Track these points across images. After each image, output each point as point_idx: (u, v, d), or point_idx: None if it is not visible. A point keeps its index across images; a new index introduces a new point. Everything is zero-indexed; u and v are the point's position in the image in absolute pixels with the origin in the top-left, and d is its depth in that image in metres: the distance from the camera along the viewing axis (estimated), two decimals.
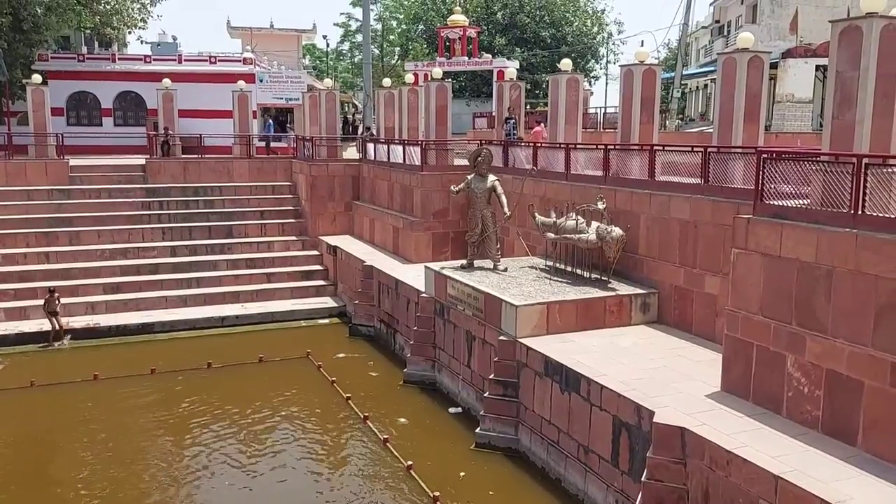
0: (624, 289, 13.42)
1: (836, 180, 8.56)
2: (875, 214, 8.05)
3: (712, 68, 39.88)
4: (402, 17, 54.25)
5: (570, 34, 43.16)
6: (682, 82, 38.28)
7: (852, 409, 8.20)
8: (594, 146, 15.70)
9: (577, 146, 16.13)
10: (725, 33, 43.38)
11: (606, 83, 52.43)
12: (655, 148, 13.47)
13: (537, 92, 41.08)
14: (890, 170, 8.13)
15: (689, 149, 12.79)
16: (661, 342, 12.28)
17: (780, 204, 9.27)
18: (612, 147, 14.83)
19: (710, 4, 47.87)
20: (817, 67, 22.09)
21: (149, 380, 16.45)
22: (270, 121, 32.06)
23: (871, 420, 8.00)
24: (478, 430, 12.81)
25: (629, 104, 15.32)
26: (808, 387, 8.72)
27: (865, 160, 8.07)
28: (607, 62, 49.67)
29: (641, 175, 13.82)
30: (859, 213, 8.18)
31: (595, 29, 45.90)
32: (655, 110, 15.34)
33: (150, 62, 33.83)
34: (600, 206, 13.91)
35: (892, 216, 7.98)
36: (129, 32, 37.44)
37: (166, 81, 28.45)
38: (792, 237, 8.87)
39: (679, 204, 12.70)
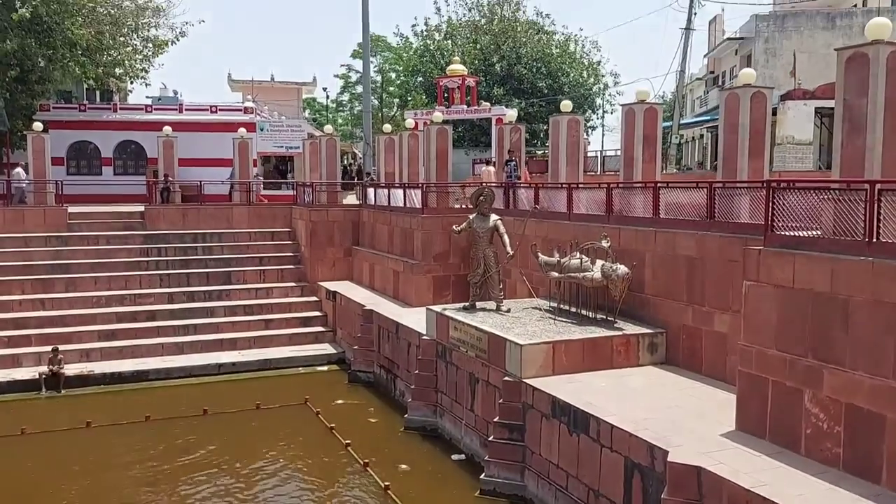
0: (631, 328, 13.13)
1: (849, 208, 8.39)
2: (891, 241, 7.85)
3: (708, 117, 40.38)
4: (400, 69, 55.05)
5: (567, 84, 43.70)
6: (678, 132, 38.63)
7: (875, 444, 7.86)
8: (597, 185, 15.63)
9: (580, 185, 16.06)
10: (720, 84, 43.99)
11: (603, 133, 52.91)
12: (659, 184, 13.34)
13: (535, 141, 41.38)
14: None
15: (695, 185, 12.66)
16: (670, 382, 11.94)
17: (792, 235, 9.07)
18: (616, 185, 14.72)
19: (705, 56, 48.69)
20: (816, 111, 22.27)
21: (143, 428, 15.99)
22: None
23: (895, 455, 7.65)
24: (482, 476, 12.35)
25: (631, 143, 15.29)
26: (827, 423, 8.38)
27: (879, 186, 7.90)
28: (603, 112, 50.29)
29: (646, 213, 13.68)
30: (874, 240, 7.98)
31: (591, 80, 46.53)
32: (657, 149, 15.31)
33: (150, 111, 34.14)
34: (604, 244, 13.72)
35: None
36: (132, 83, 37.84)
37: (167, 129, 28.60)
38: (805, 267, 8.65)
39: (685, 240, 12.51)
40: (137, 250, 24.24)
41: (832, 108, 24.16)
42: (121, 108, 34.61)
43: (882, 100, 8.47)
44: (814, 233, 9.01)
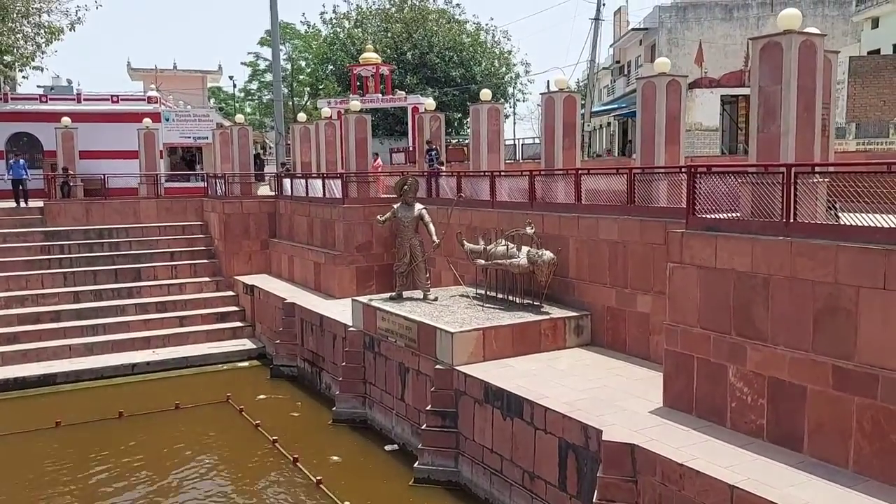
0: (557, 312, 13.38)
1: (766, 191, 8.79)
2: (807, 221, 8.27)
3: (616, 106, 41.58)
4: (310, 57, 54.03)
5: (479, 74, 44.01)
6: (589, 121, 39.63)
7: (796, 415, 8.29)
8: (519, 173, 15.79)
9: (502, 174, 16.18)
10: (626, 73, 45.36)
11: (514, 122, 53.49)
12: (581, 171, 13.62)
13: (449, 129, 41.51)
14: (817, 178, 8.41)
15: (615, 171, 12.98)
16: (597, 363, 12.24)
17: (713, 217, 9.43)
18: (538, 173, 14.93)
19: (611, 46, 50.03)
20: (722, 98, 23.27)
21: (53, 434, 15.15)
22: (20, 160, 25.73)
23: (816, 424, 8.10)
24: (416, 464, 12.35)
25: (551, 130, 15.51)
26: (750, 396, 8.79)
27: (795, 169, 8.30)
28: (515, 101, 50.94)
29: (568, 199, 13.93)
30: (791, 220, 8.39)
31: (503, 69, 47.02)
32: (577, 136, 15.60)
33: (46, 101, 32.21)
34: (529, 230, 13.90)
35: (823, 222, 8.22)
36: (21, 70, 35.53)
37: (65, 120, 27.08)
38: (726, 248, 9.01)
39: (607, 225, 12.82)
40: (38, 248, 22.94)
41: (734, 97, 25.40)
42: (12, 98, 32.51)
43: (795, 87, 8.89)
44: (733, 215, 9.40)
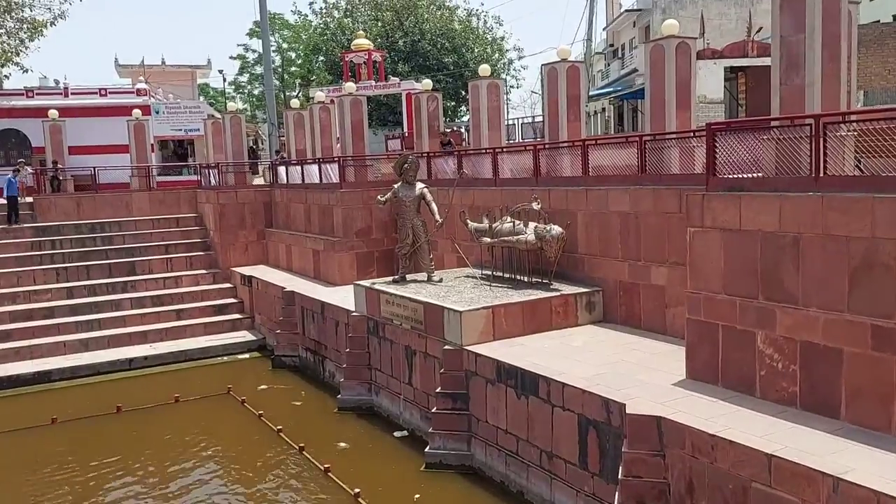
0: (567, 289, 12.92)
1: (791, 147, 8.34)
2: (839, 174, 7.83)
3: (611, 89, 41.06)
4: (300, 48, 53.35)
5: (472, 60, 43.43)
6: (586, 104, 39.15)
7: (832, 380, 7.86)
8: (522, 147, 15.32)
9: (505, 149, 15.71)
10: (620, 56, 44.85)
11: (508, 109, 52.89)
12: (588, 142, 13.15)
13: (444, 118, 40.94)
14: (845, 130, 7.96)
15: (625, 140, 12.51)
16: (612, 339, 11.80)
17: (735, 177, 8.98)
18: (542, 146, 14.45)
19: (604, 30, 49.52)
20: (726, 70, 22.84)
21: (50, 431, 14.67)
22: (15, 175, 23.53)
23: (854, 389, 7.67)
24: (427, 449, 11.91)
25: (555, 103, 15.04)
26: (782, 362, 8.35)
27: (823, 119, 7.84)
28: (509, 88, 50.30)
29: (574, 172, 13.47)
30: (821, 175, 7.94)
31: (496, 55, 46.46)
32: (581, 108, 15.13)
33: (33, 97, 31.55)
34: (535, 206, 13.42)
35: (854, 174, 7.78)
36: (3, 67, 34.83)
37: (53, 113, 26.49)
38: (752, 208, 8.56)
39: (617, 196, 12.36)
40: (28, 244, 22.40)
41: (734, 71, 24.93)
42: None
43: (819, 34, 8.43)
44: (756, 175, 8.95)
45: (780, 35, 8.79)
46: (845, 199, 7.64)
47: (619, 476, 8.53)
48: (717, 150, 9.25)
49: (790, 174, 8.38)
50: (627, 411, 8.63)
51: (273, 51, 52.01)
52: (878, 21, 26.28)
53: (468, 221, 15.00)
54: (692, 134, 11.27)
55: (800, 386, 8.17)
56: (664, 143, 11.84)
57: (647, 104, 13.00)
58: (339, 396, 15.01)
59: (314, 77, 46.52)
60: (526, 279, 13.69)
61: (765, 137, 8.76)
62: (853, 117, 7.93)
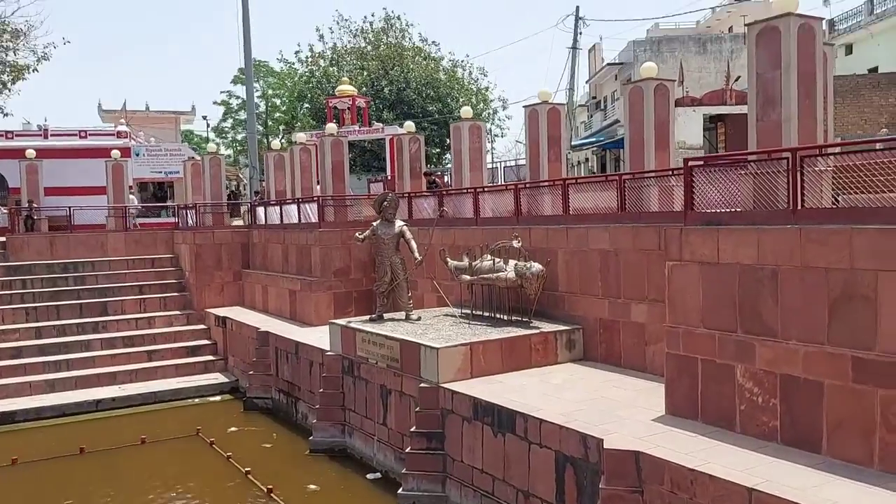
0: (547, 326, 12.76)
1: (769, 181, 8.34)
2: (817, 207, 7.81)
3: (594, 139, 41.71)
4: (285, 95, 53.76)
5: (456, 109, 43.94)
6: (569, 154, 39.61)
7: (813, 413, 7.70)
8: (503, 187, 15.31)
9: (486, 189, 15.70)
10: (602, 108, 45.66)
11: (493, 158, 53.39)
12: (568, 181, 13.17)
13: (428, 164, 41.23)
14: (823, 165, 7.99)
15: (604, 178, 12.54)
16: (592, 376, 11.60)
17: (713, 211, 8.95)
18: (523, 185, 14.45)
19: (586, 82, 50.50)
20: (706, 120, 23.26)
21: (9, 472, 14.09)
22: None
23: (835, 422, 7.51)
24: (400, 490, 11.52)
25: (536, 143, 15.11)
26: (761, 396, 8.19)
27: (801, 153, 7.87)
28: (493, 137, 50.90)
29: (555, 211, 13.45)
30: (799, 207, 7.93)
31: (481, 105, 47.07)
32: (562, 149, 15.20)
33: (12, 138, 31.32)
34: (516, 244, 13.33)
35: (832, 206, 7.77)
36: None
37: (30, 152, 26.29)
38: (730, 241, 8.51)
39: (597, 234, 12.32)
40: None
41: (713, 122, 25.37)
42: None
43: (795, 72, 8.52)
44: (734, 210, 8.93)
45: (757, 72, 8.89)
46: (823, 231, 7.61)
47: None
48: (695, 186, 9.25)
49: (768, 208, 8.36)
50: (605, 446, 8.40)
51: (257, 97, 52.42)
52: (854, 74, 27.01)
53: (448, 259, 14.88)
54: (671, 172, 11.31)
55: (780, 420, 8.00)
56: (643, 181, 11.87)
57: (626, 144, 13.09)
58: (311, 438, 14.58)
59: (298, 123, 46.78)
60: (506, 317, 13.52)
61: (742, 172, 8.76)
62: (831, 150, 7.94)
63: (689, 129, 22.93)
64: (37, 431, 16.81)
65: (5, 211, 26.56)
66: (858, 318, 7.32)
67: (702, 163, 9.36)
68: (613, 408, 9.79)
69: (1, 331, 20.43)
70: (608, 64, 42.56)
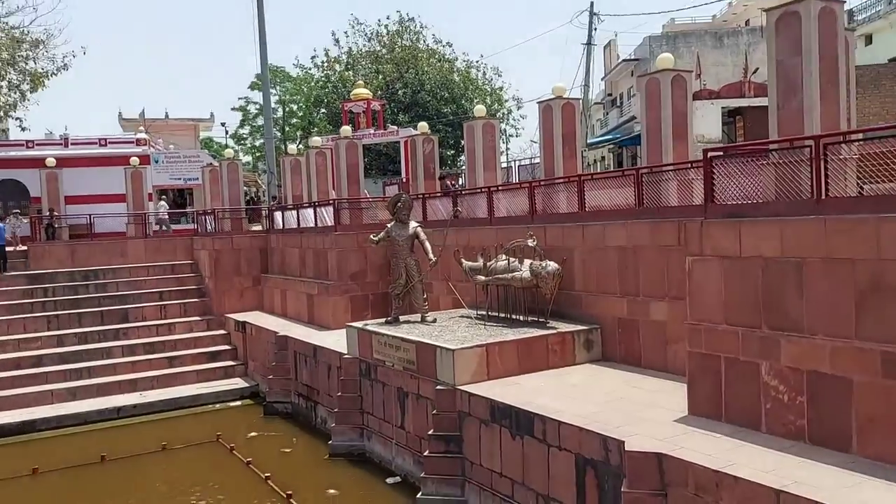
0: (564, 327, 12.52)
1: (791, 170, 8.07)
2: (842, 196, 7.53)
3: (610, 136, 41.29)
4: (301, 100, 53.88)
5: (471, 110, 43.75)
6: (584, 152, 39.26)
7: (842, 411, 7.41)
8: (518, 185, 15.09)
9: (500, 188, 15.49)
10: (619, 104, 45.19)
11: (507, 159, 53.14)
12: (584, 177, 12.93)
13: (442, 165, 41.07)
14: (846, 152, 7.70)
15: (620, 173, 12.28)
16: (611, 377, 11.35)
17: (735, 203, 8.68)
18: (538, 183, 14.23)
19: (602, 79, 50.05)
20: (724, 114, 22.87)
21: (29, 481, 14.11)
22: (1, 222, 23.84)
23: (865, 420, 7.22)
24: (419, 495, 11.34)
25: (550, 140, 14.88)
26: (787, 394, 7.91)
27: (824, 140, 7.59)
28: (507, 137, 50.64)
29: (571, 208, 13.21)
30: (823, 197, 7.65)
31: (495, 105, 46.83)
32: (577, 145, 14.95)
33: (32, 147, 31.67)
34: (531, 243, 13.11)
35: (858, 195, 7.48)
36: (2, 120, 35.03)
37: (50, 161, 26.50)
38: (752, 234, 8.24)
39: (614, 231, 12.07)
40: (20, 292, 22.10)
41: (731, 116, 24.97)
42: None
43: (816, 57, 8.24)
44: (755, 201, 8.65)
45: (777, 59, 8.62)
46: (849, 221, 7.33)
47: None
48: (715, 178, 8.99)
49: (791, 198, 8.09)
50: (627, 449, 8.16)
51: (274, 102, 52.57)
52: (875, 63, 26.44)
53: (462, 260, 14.69)
54: (690, 164, 11.03)
55: (808, 418, 7.72)
56: (661, 175, 11.60)
57: (643, 137, 12.81)
58: (330, 442, 14.47)
59: (315, 128, 46.85)
60: (522, 318, 13.30)
61: (763, 162, 8.48)
62: (854, 137, 7.64)
63: (707, 123, 22.54)
64: (57, 440, 16.85)
65: (26, 220, 26.80)
66: (887, 311, 7.03)
67: (722, 153, 9.06)
68: (634, 409, 9.55)
69: (23, 339, 20.56)
70: (624, 60, 42.09)
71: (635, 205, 11.80)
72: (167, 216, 29.55)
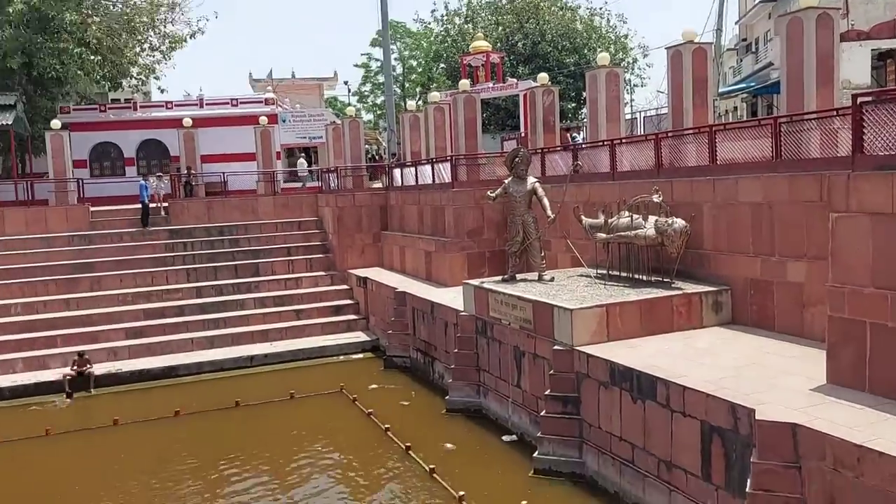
0: (691, 288, 11.92)
1: None
2: None
3: (744, 85, 38.71)
4: (421, 55, 53.88)
5: (594, 60, 42.22)
6: (716, 101, 37.04)
7: None
8: (643, 137, 14.39)
9: (623, 140, 14.83)
10: (754, 50, 42.24)
11: (632, 110, 51.13)
12: (715, 128, 12.11)
13: (563, 120, 40.01)
14: None
15: (757, 123, 11.41)
16: (742, 341, 10.73)
17: (887, 154, 7.82)
18: (665, 135, 13.48)
19: (736, 23, 46.92)
20: (874, 57, 20.77)
21: (172, 423, 15.18)
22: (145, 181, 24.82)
23: None
24: (535, 454, 11.27)
25: (679, 89, 14.03)
26: None
27: None
28: (632, 88, 48.61)
29: (700, 161, 12.45)
30: None
31: (619, 55, 44.94)
32: (708, 93, 14.02)
33: (171, 108, 33.47)
34: (656, 198, 12.52)
35: None
36: (145, 81, 37.18)
37: (187, 121, 27.91)
38: None
39: (748, 185, 11.27)
40: (162, 246, 23.59)
41: (881, 60, 22.66)
42: (141, 106, 34.06)
43: None
44: None
45: None
46: None
47: (748, 489, 7.60)
48: (865, 126, 8.13)
49: None
50: (757, 417, 7.68)
51: (394, 59, 52.90)
52: None
53: (582, 217, 14.26)
54: (835, 112, 10.07)
55: None
56: (802, 124, 10.67)
57: (782, 84, 11.81)
58: (447, 398, 14.64)
59: (434, 84, 46.81)
60: (645, 278, 12.80)
61: None
62: None
63: (854, 67, 20.52)
64: (196, 385, 18.00)
65: (167, 180, 28.50)
66: None
67: (873, 98, 8.16)
68: (766, 376, 8.98)
69: (166, 290, 21.97)
70: (761, 1, 39.11)
71: (772, 157, 10.94)
72: (307, 173, 30.57)
